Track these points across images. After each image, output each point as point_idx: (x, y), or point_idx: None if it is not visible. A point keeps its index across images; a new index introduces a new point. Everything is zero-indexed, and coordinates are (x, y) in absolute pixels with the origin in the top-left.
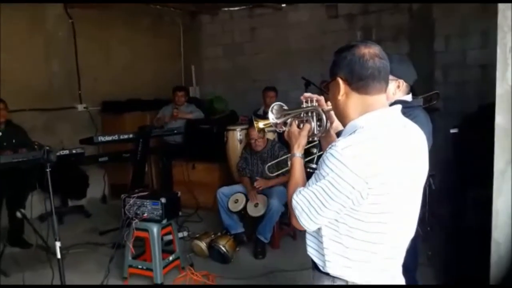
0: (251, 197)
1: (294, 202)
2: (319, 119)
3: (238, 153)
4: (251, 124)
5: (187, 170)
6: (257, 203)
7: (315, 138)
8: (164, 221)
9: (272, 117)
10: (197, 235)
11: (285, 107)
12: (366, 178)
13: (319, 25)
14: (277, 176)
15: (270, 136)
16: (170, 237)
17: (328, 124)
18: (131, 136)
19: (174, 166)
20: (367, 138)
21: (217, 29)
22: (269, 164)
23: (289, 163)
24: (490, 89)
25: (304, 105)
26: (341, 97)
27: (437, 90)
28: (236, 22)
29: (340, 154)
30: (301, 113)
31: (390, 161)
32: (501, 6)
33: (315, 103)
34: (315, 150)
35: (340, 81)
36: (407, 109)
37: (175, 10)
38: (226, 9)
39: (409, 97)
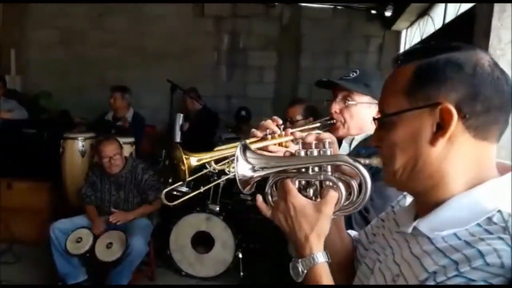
0: (95, 228)
1: None
2: (345, 183)
3: (79, 170)
4: (107, 140)
5: None
6: (111, 243)
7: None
8: None
9: (242, 163)
10: None
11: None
12: None
13: (185, 23)
14: (140, 205)
15: (127, 150)
16: None
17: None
18: None
19: None
20: None
21: (53, 7)
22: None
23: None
24: None
25: (315, 152)
26: (440, 142)
27: None
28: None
29: None
30: (312, 167)
31: None
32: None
33: (328, 148)
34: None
35: (453, 111)
36: None
37: None
38: None
39: None
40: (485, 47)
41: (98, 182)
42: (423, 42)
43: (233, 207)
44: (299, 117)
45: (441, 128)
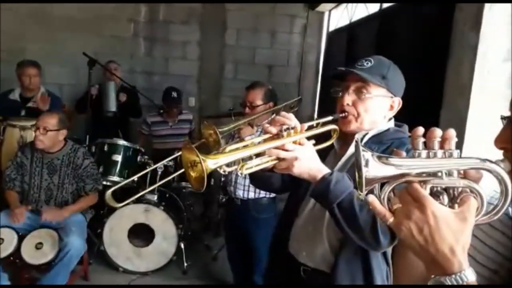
0: (13, 217)
1: None
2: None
3: None
4: None
5: None
6: (40, 243)
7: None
8: None
9: (371, 162)
10: None
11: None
12: None
13: None
14: (76, 200)
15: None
16: None
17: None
18: None
19: None
20: None
21: None
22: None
23: None
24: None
25: (439, 153)
26: None
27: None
28: None
29: None
30: (445, 171)
31: None
32: None
33: (454, 149)
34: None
35: None
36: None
37: None
38: None
39: (392, 123)
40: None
41: (28, 163)
42: (353, 25)
43: (172, 196)
44: (259, 102)
45: None
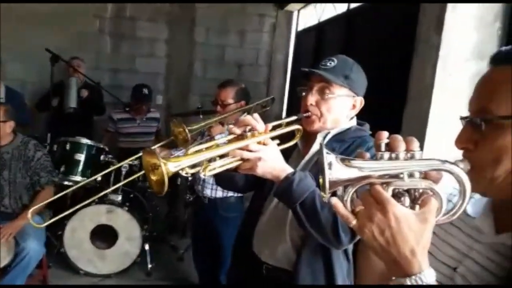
0: None
1: None
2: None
3: None
4: None
5: None
6: None
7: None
8: None
9: (334, 165)
10: None
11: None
12: None
13: None
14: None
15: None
16: None
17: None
18: None
19: None
20: None
21: None
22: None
23: None
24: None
25: (401, 154)
26: None
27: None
28: None
29: None
30: (407, 172)
31: None
32: None
33: (417, 150)
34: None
35: None
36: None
37: None
38: None
39: (354, 122)
40: (436, 39)
41: None
42: (321, 24)
43: (137, 196)
44: (230, 101)
45: None
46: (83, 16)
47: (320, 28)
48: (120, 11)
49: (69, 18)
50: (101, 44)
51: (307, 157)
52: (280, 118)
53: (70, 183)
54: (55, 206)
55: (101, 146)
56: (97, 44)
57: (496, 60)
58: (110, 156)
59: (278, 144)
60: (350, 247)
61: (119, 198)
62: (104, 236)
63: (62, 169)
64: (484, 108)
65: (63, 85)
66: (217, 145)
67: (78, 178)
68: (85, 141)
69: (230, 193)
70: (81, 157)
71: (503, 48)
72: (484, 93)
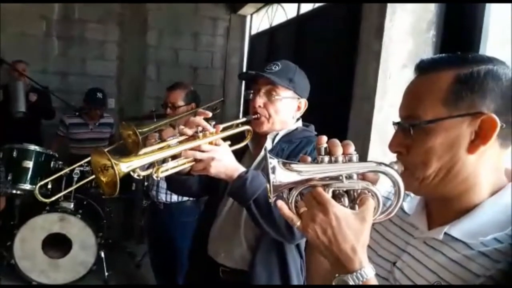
0: None
1: None
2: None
3: None
4: None
5: None
6: None
7: None
8: None
9: (278, 170)
10: None
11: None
12: None
13: None
14: None
15: None
16: None
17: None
18: None
19: None
20: None
21: None
22: None
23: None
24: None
25: (340, 158)
26: (479, 150)
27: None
28: None
29: None
30: (345, 175)
31: None
32: None
33: (354, 154)
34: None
35: (497, 122)
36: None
37: None
38: None
39: (300, 123)
40: (377, 46)
41: None
42: (273, 29)
43: (90, 203)
44: (181, 103)
45: (478, 137)
46: (28, 17)
47: (272, 33)
48: (68, 13)
49: (12, 19)
50: (48, 46)
51: (258, 158)
52: (236, 120)
53: (19, 192)
54: (2, 216)
55: (51, 153)
56: (44, 46)
57: (420, 68)
58: (60, 162)
59: (229, 146)
60: (303, 243)
61: (72, 205)
62: (57, 245)
63: (9, 177)
64: (412, 114)
65: (7, 89)
66: (169, 146)
67: (27, 186)
68: (33, 147)
69: (185, 198)
70: (30, 164)
71: (425, 57)
72: (411, 100)
